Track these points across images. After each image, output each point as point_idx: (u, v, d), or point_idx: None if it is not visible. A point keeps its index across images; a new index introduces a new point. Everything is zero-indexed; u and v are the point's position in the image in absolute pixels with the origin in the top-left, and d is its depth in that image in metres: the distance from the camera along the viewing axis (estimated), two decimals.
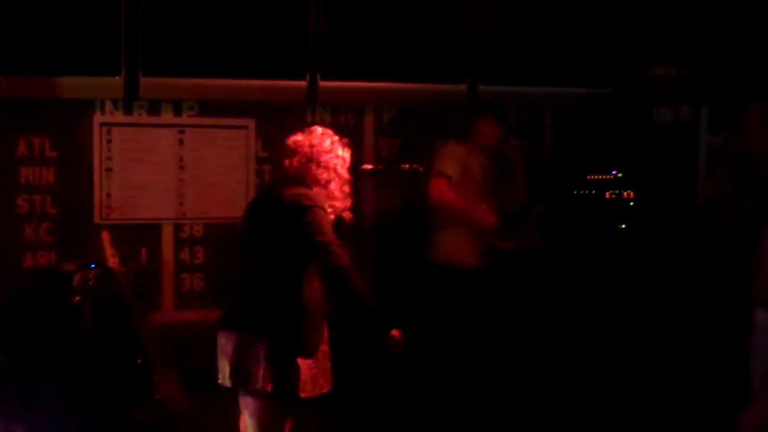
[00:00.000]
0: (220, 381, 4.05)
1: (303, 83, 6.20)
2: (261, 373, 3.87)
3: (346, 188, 4.14)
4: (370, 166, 5.64)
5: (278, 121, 6.23)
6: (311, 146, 4.10)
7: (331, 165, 4.11)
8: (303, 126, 4.28)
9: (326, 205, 4.03)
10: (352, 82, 6.34)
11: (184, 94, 6.06)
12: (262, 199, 4.21)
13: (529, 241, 6.11)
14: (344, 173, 4.14)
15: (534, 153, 6.68)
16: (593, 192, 6.41)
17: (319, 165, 4.08)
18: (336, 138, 4.20)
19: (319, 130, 4.19)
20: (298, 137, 4.15)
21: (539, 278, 6.23)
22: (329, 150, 4.12)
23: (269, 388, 3.89)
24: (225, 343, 4.00)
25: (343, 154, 4.18)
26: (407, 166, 5.46)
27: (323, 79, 6.23)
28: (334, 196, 4.09)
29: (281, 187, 4.07)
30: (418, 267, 5.82)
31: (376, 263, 6.36)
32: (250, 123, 6.30)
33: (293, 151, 4.11)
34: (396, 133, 6.60)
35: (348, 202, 4.17)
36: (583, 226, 6.37)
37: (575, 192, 6.44)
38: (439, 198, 5.52)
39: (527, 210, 6.09)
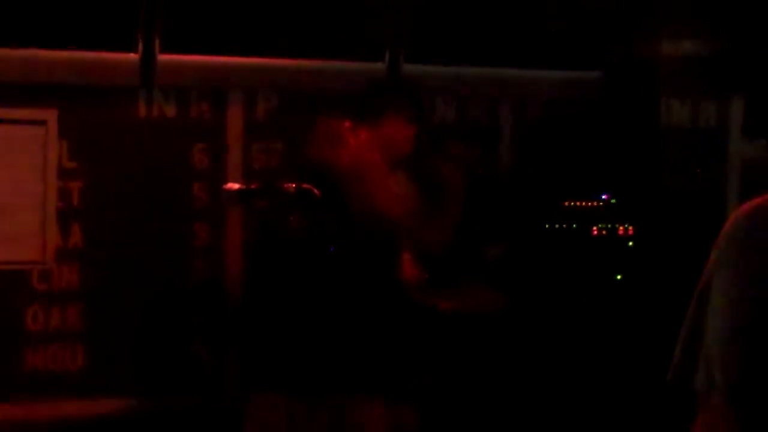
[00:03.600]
0: None
1: (134, 56, 5.29)
2: None
3: None
4: (236, 186, 4.57)
5: (95, 113, 5.31)
6: None
7: None
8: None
9: None
10: (209, 56, 5.39)
11: None
12: None
13: (478, 300, 5.18)
14: None
15: (484, 167, 5.58)
16: (573, 226, 5.60)
17: None
18: None
19: None
20: None
21: (496, 357, 5.36)
22: None
23: None
24: None
25: None
26: (294, 185, 4.41)
27: (164, 50, 5.31)
28: None
29: None
30: None
31: None
32: (51, 116, 5.27)
33: None
34: (276, 135, 5.54)
35: None
36: (560, 278, 5.58)
37: (546, 226, 5.61)
38: None
39: (478, 253, 5.38)
